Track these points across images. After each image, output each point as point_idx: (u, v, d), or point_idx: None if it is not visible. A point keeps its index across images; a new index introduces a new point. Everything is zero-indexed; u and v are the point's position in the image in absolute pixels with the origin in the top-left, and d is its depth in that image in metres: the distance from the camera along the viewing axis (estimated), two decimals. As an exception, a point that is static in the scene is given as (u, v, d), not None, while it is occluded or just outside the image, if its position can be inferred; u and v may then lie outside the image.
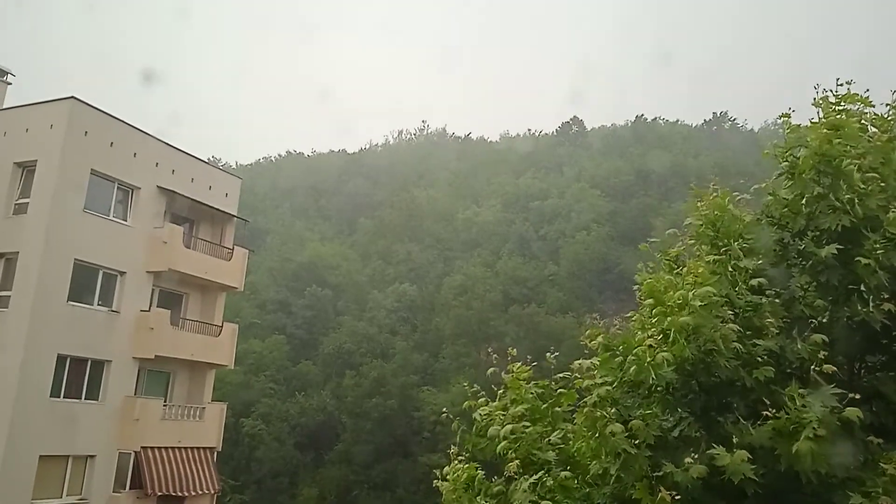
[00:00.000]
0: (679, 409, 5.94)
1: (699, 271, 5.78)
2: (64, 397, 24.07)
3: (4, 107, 27.38)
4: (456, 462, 7.04)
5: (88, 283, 25.08)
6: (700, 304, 5.45)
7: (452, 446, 7.21)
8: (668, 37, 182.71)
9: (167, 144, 28.06)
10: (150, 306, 26.98)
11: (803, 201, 6.39)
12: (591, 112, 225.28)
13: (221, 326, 29.73)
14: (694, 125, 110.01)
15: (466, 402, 7.16)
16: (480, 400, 7.11)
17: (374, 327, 69.65)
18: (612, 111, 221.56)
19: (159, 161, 27.33)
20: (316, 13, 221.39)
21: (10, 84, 28.46)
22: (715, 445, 5.26)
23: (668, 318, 5.68)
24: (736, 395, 5.69)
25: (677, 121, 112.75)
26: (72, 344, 24.22)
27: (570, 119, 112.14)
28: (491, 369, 7.22)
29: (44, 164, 24.41)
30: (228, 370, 34.19)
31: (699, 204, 6.77)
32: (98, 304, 25.36)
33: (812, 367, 5.46)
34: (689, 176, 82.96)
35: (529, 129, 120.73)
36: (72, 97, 24.70)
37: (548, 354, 7.07)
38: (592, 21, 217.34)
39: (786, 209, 6.60)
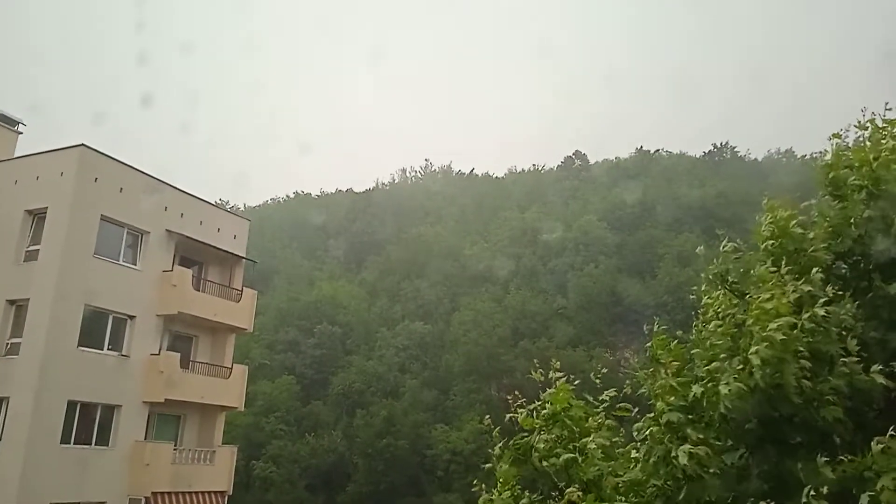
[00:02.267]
0: (730, 439, 5.68)
1: (783, 301, 5.41)
2: (74, 443, 24.00)
3: (16, 155, 27.82)
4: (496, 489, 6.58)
5: (98, 328, 25.17)
6: (782, 337, 5.12)
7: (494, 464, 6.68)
8: (668, 69, 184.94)
9: (175, 188, 28.37)
10: (160, 350, 27.01)
11: (851, 223, 6.18)
12: (594, 145, 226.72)
13: (231, 368, 29.67)
14: (697, 156, 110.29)
15: (518, 410, 6.74)
16: (522, 411, 6.78)
17: (384, 366, 69.26)
18: (615, 144, 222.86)
19: (168, 205, 27.62)
20: (313, 55, 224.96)
21: (21, 133, 28.99)
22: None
23: (743, 343, 5.41)
24: (795, 430, 5.40)
25: (680, 152, 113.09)
26: (82, 389, 24.22)
27: (573, 153, 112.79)
28: (538, 371, 6.89)
29: (54, 211, 24.70)
30: (238, 412, 34.06)
31: (768, 220, 6.47)
32: (108, 349, 25.43)
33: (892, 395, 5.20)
34: (693, 207, 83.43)
35: (534, 165, 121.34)
36: (82, 144, 25.03)
37: (592, 374, 6.91)
38: (592, 56, 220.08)
39: (831, 229, 6.33)
